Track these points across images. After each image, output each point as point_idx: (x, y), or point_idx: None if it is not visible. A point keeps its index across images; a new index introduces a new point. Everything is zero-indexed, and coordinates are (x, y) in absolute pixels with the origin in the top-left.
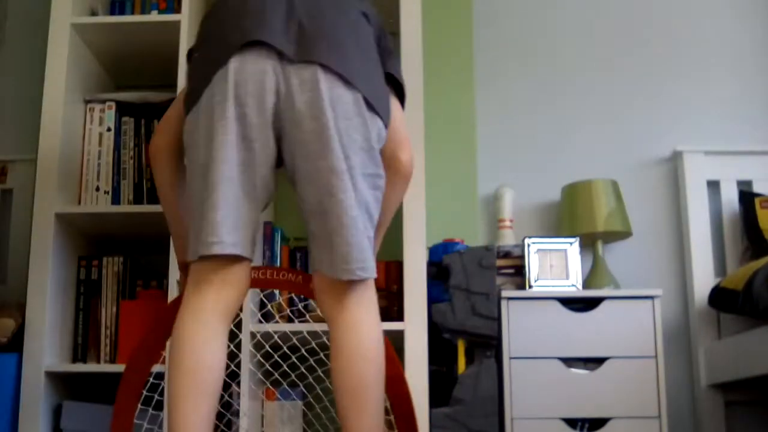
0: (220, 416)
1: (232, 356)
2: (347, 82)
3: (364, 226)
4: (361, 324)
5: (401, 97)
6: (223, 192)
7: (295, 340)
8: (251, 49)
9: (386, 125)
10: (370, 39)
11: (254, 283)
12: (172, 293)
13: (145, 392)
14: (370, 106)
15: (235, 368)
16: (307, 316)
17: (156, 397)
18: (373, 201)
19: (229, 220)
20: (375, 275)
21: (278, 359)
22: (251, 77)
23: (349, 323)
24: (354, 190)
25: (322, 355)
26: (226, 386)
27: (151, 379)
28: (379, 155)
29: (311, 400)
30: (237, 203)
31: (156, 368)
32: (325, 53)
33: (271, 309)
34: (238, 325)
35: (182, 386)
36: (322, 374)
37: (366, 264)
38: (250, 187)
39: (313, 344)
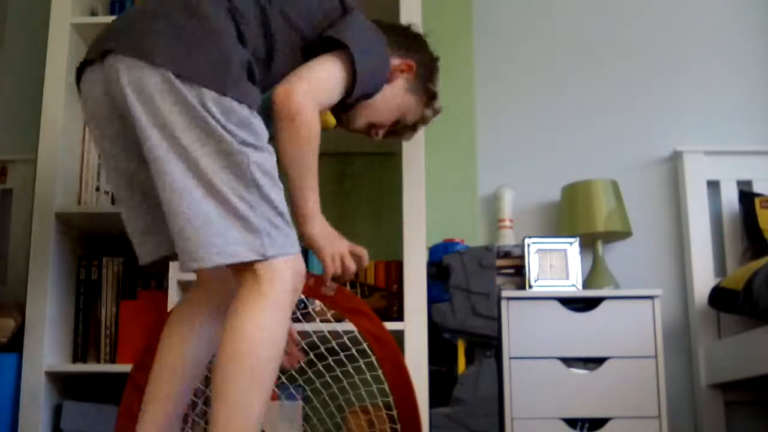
0: None
1: None
2: (149, 63)
3: (199, 211)
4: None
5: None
6: None
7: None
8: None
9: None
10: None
11: None
12: (172, 293)
13: None
14: (185, 79)
15: None
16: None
17: None
18: (227, 174)
19: None
20: (214, 262)
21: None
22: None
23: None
24: (183, 170)
25: (323, 349)
26: None
27: None
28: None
29: (310, 394)
30: None
31: None
32: (121, 41)
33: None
34: None
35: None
36: (322, 368)
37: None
38: None
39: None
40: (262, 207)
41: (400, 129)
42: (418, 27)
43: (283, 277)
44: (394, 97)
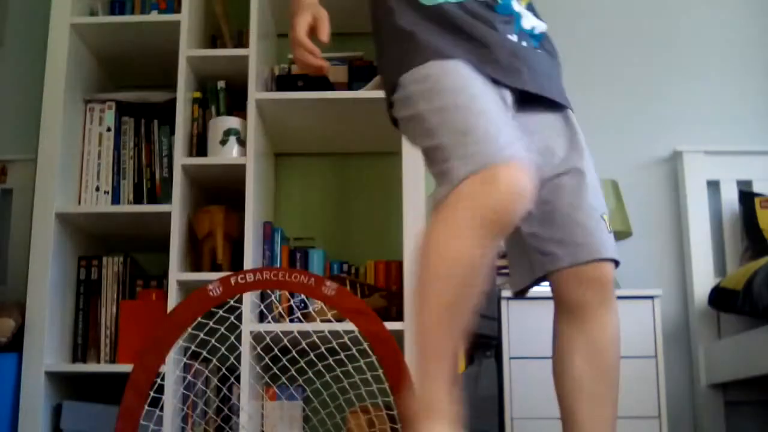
0: (218, 411)
1: (232, 348)
2: None
3: None
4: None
5: None
6: None
7: (304, 344)
8: None
9: None
10: None
11: (266, 285)
12: (172, 293)
13: (152, 393)
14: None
15: (235, 361)
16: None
17: (162, 398)
18: None
19: None
20: None
21: (278, 354)
22: None
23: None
24: None
25: (323, 349)
26: (226, 382)
27: (158, 380)
28: None
29: (310, 394)
30: None
31: (162, 369)
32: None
33: (271, 308)
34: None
35: None
36: (322, 369)
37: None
38: None
39: (315, 338)
40: None
41: None
42: None
43: None
44: None
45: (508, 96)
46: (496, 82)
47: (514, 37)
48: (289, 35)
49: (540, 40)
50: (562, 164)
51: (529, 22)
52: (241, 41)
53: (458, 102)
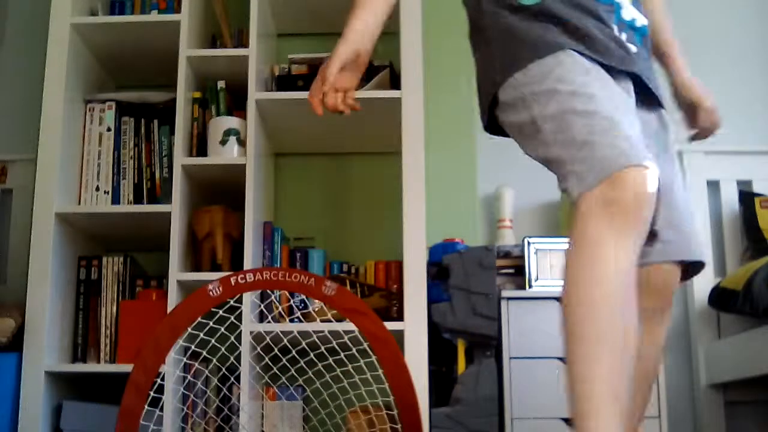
0: (218, 411)
1: (232, 348)
2: None
3: None
4: None
5: None
6: None
7: (304, 344)
8: None
9: None
10: None
11: (266, 285)
12: (172, 293)
13: (152, 393)
14: None
15: (235, 362)
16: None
17: (162, 398)
18: None
19: None
20: None
21: (278, 354)
22: None
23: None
24: None
25: (323, 349)
26: (226, 382)
27: (158, 380)
28: None
29: (310, 394)
30: None
31: (162, 369)
32: None
33: (271, 308)
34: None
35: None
36: (322, 369)
37: None
38: None
39: (315, 338)
40: None
41: None
42: (418, 27)
43: None
44: None
45: (630, 86)
46: (610, 69)
47: (614, 28)
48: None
49: (644, 34)
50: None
51: (629, 12)
52: (241, 41)
53: (577, 106)
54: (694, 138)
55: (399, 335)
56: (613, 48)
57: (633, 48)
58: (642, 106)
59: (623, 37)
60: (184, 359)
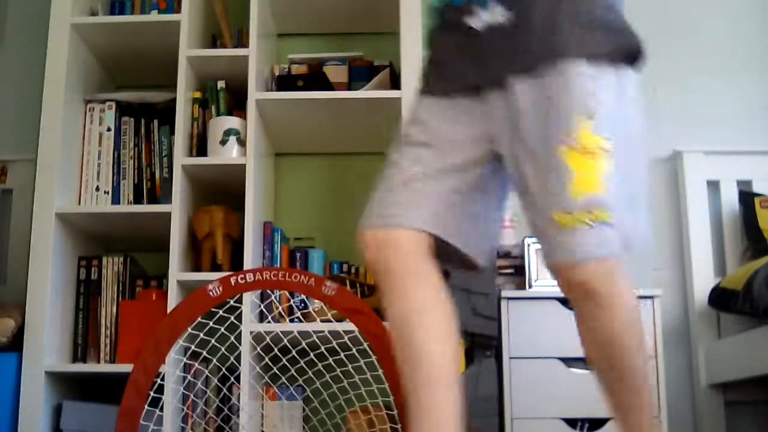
0: (218, 411)
1: (232, 348)
2: None
3: None
4: None
5: None
6: None
7: (304, 344)
8: None
9: None
10: None
11: (266, 285)
12: (172, 293)
13: (152, 393)
14: None
15: (235, 361)
16: (315, 314)
17: (162, 398)
18: None
19: None
20: None
21: (278, 354)
22: None
23: None
24: None
25: (323, 349)
26: (226, 382)
27: (158, 380)
28: None
29: (310, 394)
30: None
31: (162, 369)
32: None
33: (271, 308)
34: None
35: None
36: (322, 369)
37: None
38: None
39: (315, 338)
40: None
41: None
42: (418, 27)
43: None
44: None
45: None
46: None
47: (468, 19)
48: None
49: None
50: (508, 155)
51: None
52: (241, 41)
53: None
54: None
55: None
56: (442, 73)
57: (477, 24)
58: (495, 89)
59: (473, 8)
60: (184, 359)
